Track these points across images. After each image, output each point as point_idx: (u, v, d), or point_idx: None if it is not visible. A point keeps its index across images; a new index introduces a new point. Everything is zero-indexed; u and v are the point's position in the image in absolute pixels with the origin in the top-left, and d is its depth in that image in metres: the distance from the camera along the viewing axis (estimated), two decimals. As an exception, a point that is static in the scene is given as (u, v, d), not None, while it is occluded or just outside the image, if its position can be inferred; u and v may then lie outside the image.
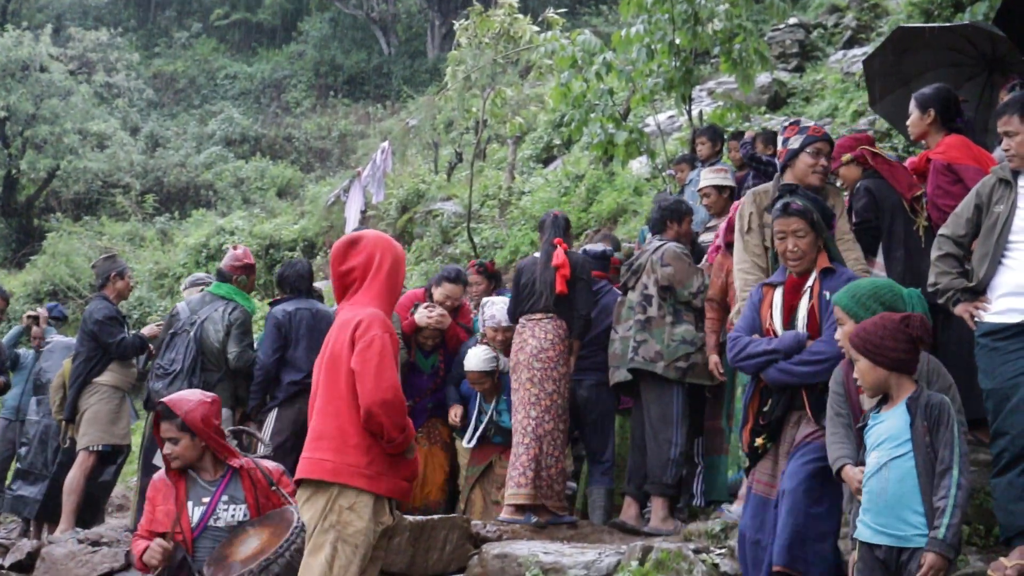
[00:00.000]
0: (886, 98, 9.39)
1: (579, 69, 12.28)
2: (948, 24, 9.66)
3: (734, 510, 6.72)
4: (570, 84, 12.35)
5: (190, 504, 5.27)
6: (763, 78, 16.02)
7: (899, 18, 15.08)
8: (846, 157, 6.96)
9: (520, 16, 15.05)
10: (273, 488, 5.33)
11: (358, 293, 4.84)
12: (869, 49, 15.56)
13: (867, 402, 4.58)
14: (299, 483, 4.78)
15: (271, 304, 8.55)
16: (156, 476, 5.47)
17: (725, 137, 11.60)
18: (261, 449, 6.24)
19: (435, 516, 7.10)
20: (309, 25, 39.81)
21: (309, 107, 36.06)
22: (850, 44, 17.83)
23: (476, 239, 16.92)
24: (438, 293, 8.55)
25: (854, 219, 6.75)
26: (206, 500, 5.27)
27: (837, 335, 4.87)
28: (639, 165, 16.19)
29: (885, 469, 4.22)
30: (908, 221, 6.57)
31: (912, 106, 6.87)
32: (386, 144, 20.50)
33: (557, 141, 20.90)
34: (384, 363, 4.61)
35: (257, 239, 22.54)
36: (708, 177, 9.22)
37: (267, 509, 5.28)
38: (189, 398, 5.44)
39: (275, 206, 27.55)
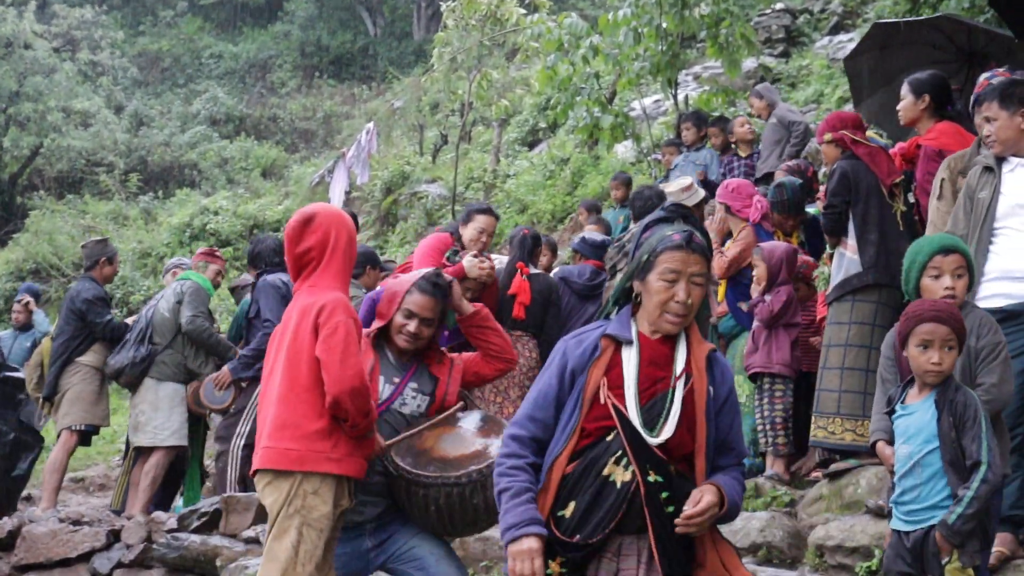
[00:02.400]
0: (870, 98, 9.35)
1: (565, 52, 12.27)
2: (922, 18, 9.64)
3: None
4: (556, 67, 12.34)
5: (381, 379, 4.90)
6: (749, 63, 16.00)
7: (885, 4, 15.05)
8: (827, 136, 6.91)
9: (507, -2, 15.01)
10: (463, 393, 5.03)
11: (315, 274, 4.76)
12: (855, 35, 15.56)
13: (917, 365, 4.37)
14: (256, 471, 4.71)
15: (258, 276, 8.56)
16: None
17: (709, 122, 11.61)
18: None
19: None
20: (295, 5, 39.58)
21: (294, 87, 35.89)
22: (836, 30, 17.81)
23: (460, 221, 16.88)
24: (470, 229, 7.53)
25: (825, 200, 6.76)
26: (396, 380, 4.91)
27: (948, 283, 4.55)
28: (624, 149, 16.16)
29: (918, 467, 4.19)
30: (885, 205, 6.53)
31: (905, 90, 6.84)
32: (371, 125, 20.43)
33: (542, 124, 20.86)
34: (349, 350, 4.55)
35: (241, 219, 22.47)
36: (681, 198, 8.96)
37: (444, 407, 4.95)
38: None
39: (259, 186, 27.44)
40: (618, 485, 3.46)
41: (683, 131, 11.57)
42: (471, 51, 15.57)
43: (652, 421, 3.51)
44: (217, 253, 9.48)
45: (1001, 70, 6.56)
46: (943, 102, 6.74)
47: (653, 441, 3.46)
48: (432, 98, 24.56)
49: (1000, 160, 5.44)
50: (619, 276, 7.67)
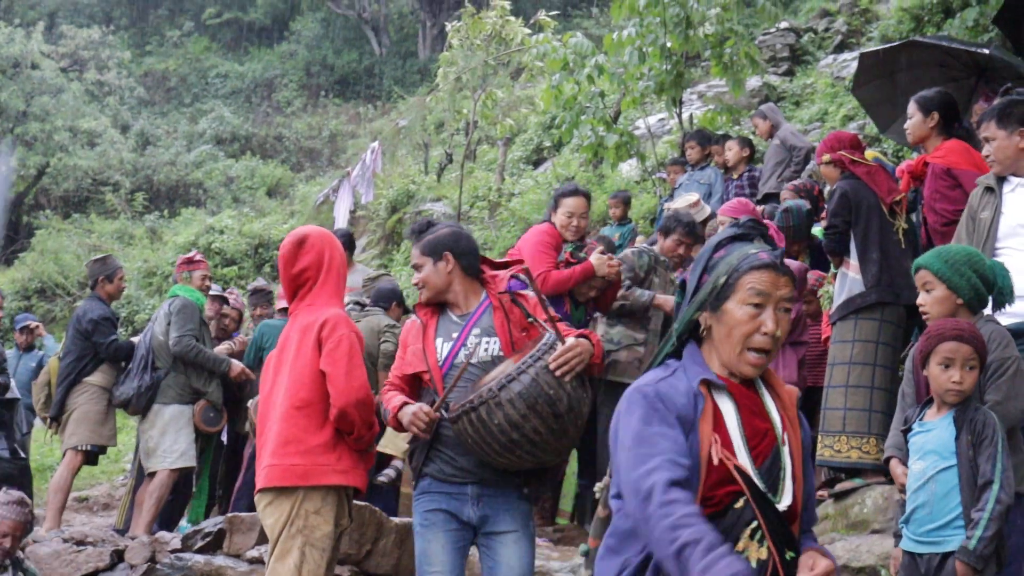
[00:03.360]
0: (896, 122, 9.35)
1: (570, 71, 12.28)
2: (895, 44, 9.68)
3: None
4: (561, 86, 12.35)
5: (439, 341, 4.68)
6: (754, 82, 16.03)
7: (889, 23, 15.08)
8: (826, 157, 6.97)
9: (512, 18, 15.04)
10: (530, 320, 4.69)
11: (312, 292, 4.83)
12: (858, 53, 15.58)
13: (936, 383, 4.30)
14: (258, 490, 4.70)
15: None
16: (409, 320, 4.96)
17: (712, 141, 11.62)
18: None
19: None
20: (301, 25, 39.73)
21: (300, 107, 36.00)
22: (840, 48, 17.82)
23: (465, 240, 16.86)
24: (560, 215, 7.18)
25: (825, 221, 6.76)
26: (455, 335, 4.67)
27: (923, 300, 4.56)
28: (629, 168, 16.16)
29: (932, 482, 4.15)
30: (885, 223, 6.53)
31: (913, 109, 6.84)
32: (376, 144, 20.47)
33: (547, 143, 20.87)
34: (354, 362, 4.62)
35: (246, 238, 22.48)
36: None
37: (522, 344, 4.64)
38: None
39: (265, 205, 27.51)
40: (754, 564, 2.78)
41: (687, 150, 11.59)
42: (476, 70, 15.61)
43: (772, 484, 2.87)
44: (196, 258, 9.37)
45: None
46: (951, 120, 6.75)
47: (780, 507, 2.84)
48: (437, 117, 24.60)
49: (1001, 180, 5.45)
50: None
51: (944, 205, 6.33)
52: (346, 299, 8.79)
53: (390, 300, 8.72)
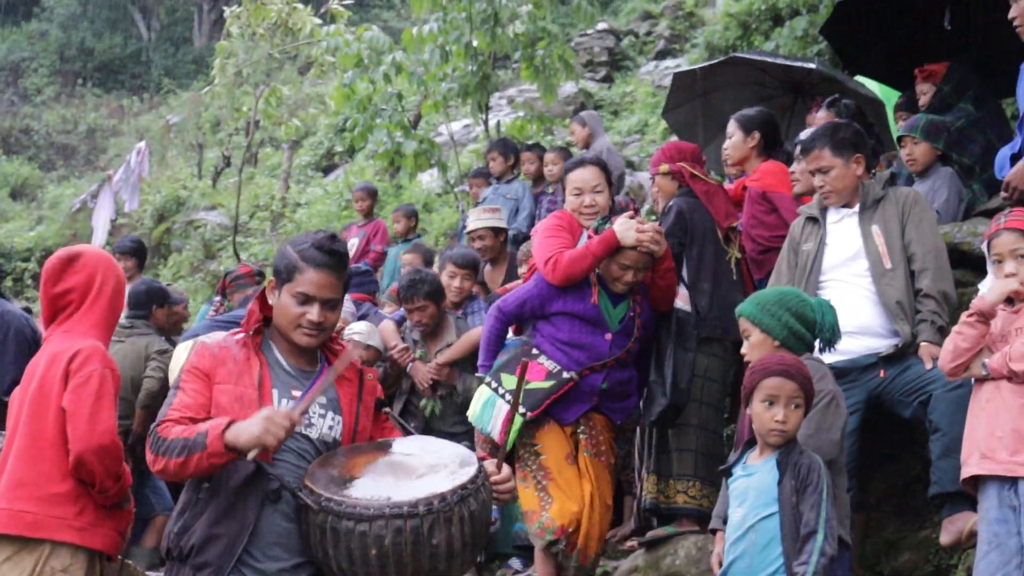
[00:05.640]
0: (710, 145, 9.61)
1: (365, 69, 12.29)
2: (714, 62, 10.10)
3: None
4: (354, 85, 12.33)
5: (275, 393, 3.92)
6: (568, 87, 16.32)
7: (715, 29, 15.59)
8: (663, 168, 6.85)
9: (300, 5, 14.93)
10: (384, 411, 4.16)
11: (73, 319, 4.69)
12: (683, 61, 16.07)
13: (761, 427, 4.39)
14: None
15: None
16: (212, 341, 4.04)
17: (522, 148, 11.71)
18: None
19: None
20: (54, 1, 38.62)
21: (52, 96, 34.97)
22: (663, 55, 18.32)
23: (243, 255, 16.67)
24: (569, 197, 6.23)
25: None
26: (296, 393, 3.93)
27: (744, 348, 4.77)
28: (429, 178, 16.26)
29: (752, 532, 4.23)
30: (720, 251, 6.57)
31: (733, 128, 6.98)
32: (142, 144, 20.06)
33: (339, 148, 20.83)
34: (101, 403, 4.47)
35: (-17, 247, 21.74)
36: (482, 217, 8.86)
37: (362, 433, 4.02)
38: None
39: (7, 209, 26.63)
40: None
41: (489, 161, 11.57)
42: (258, 63, 15.44)
43: None
44: None
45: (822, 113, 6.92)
46: (772, 141, 6.95)
47: None
48: (213, 115, 24.24)
49: (823, 209, 5.68)
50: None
51: (760, 232, 6.51)
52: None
53: (148, 304, 8.27)
